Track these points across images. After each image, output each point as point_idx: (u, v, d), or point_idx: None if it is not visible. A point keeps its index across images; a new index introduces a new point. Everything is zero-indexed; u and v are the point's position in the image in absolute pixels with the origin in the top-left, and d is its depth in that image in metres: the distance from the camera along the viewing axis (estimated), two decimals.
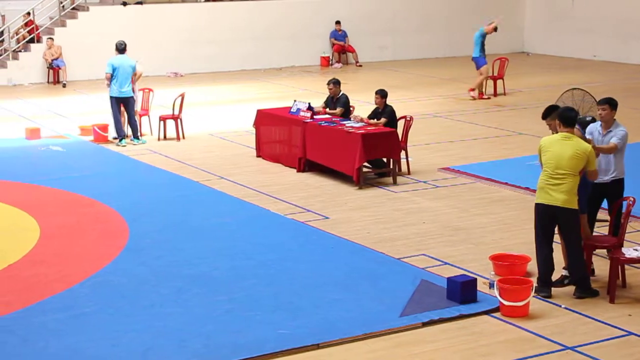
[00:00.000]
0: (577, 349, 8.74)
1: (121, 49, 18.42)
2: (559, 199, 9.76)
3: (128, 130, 18.65)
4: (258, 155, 17.11)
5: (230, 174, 15.77)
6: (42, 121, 21.09)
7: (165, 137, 18.88)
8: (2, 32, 28.53)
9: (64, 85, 27.65)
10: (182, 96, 19.11)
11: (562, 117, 9.97)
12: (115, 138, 18.63)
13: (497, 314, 9.52)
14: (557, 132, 10.09)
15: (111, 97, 18.23)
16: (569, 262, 10.04)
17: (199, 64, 30.25)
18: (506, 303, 9.48)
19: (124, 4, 29.63)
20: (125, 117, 18.60)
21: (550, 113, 10.51)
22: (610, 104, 10.61)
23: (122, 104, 18.27)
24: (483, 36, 23.40)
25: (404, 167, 15.60)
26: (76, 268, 11.09)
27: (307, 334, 9.01)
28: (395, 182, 15.00)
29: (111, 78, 18.12)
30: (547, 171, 9.84)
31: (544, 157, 9.90)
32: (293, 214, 13.31)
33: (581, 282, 9.96)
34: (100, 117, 20.20)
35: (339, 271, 10.85)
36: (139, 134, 18.57)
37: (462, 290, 9.73)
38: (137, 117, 18.66)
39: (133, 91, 18.44)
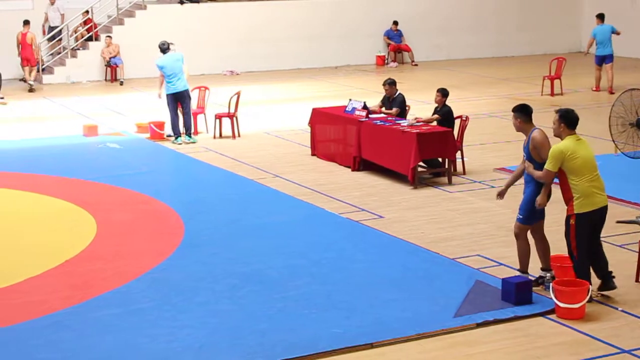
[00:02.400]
0: (634, 352, 8.63)
1: (164, 49, 18.48)
2: (605, 199, 9.72)
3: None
4: (313, 154, 17.13)
5: (285, 173, 15.80)
6: (100, 118, 21.30)
7: (220, 135, 18.97)
8: (61, 30, 28.82)
9: (121, 83, 27.89)
10: (238, 94, 19.19)
11: (568, 118, 9.75)
12: (170, 136, 18.77)
13: (553, 316, 9.43)
14: (521, 130, 10.07)
15: (167, 95, 18.35)
16: (601, 260, 9.91)
17: (255, 62, 30.35)
18: (562, 305, 9.39)
19: (181, 2, 29.82)
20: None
21: (516, 110, 10.22)
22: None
23: (179, 101, 18.37)
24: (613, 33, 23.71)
25: (459, 167, 15.52)
26: (132, 264, 11.18)
27: (360, 333, 9.00)
28: (450, 182, 14.93)
29: (165, 77, 18.22)
30: (586, 176, 9.60)
31: (574, 164, 9.58)
32: (347, 213, 13.31)
33: (608, 276, 9.85)
34: (157, 115, 20.35)
35: (393, 271, 10.82)
36: (191, 132, 18.66)
37: (517, 292, 9.66)
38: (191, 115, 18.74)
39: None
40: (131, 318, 9.47)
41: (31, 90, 26.83)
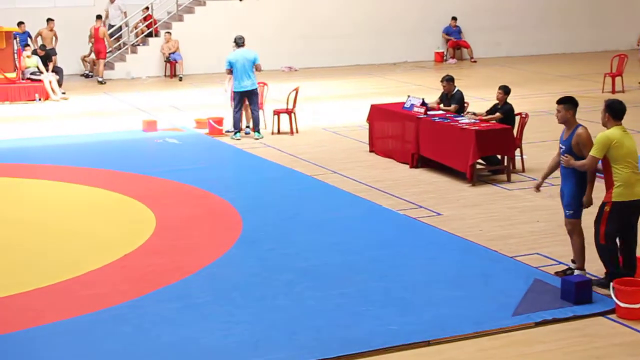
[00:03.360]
0: None
1: (240, 43, 18.57)
2: None
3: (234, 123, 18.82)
4: (371, 150, 17.11)
5: (342, 169, 15.80)
6: (159, 114, 21.48)
7: (279, 131, 19.02)
8: (121, 27, 29.09)
9: (180, 79, 28.10)
10: (297, 90, 19.23)
11: (612, 109, 9.70)
12: (229, 131, 18.86)
13: (613, 316, 9.32)
14: (566, 123, 9.96)
15: (235, 92, 18.41)
16: (631, 254, 9.86)
17: (313, 58, 30.41)
18: (622, 305, 9.27)
19: None
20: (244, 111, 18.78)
21: (567, 102, 10.11)
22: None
23: (246, 98, 18.43)
24: None
25: (518, 165, 15.40)
26: (190, 259, 11.25)
27: (417, 330, 8.97)
28: (509, 180, 14.82)
29: (232, 73, 18.30)
30: (631, 163, 9.60)
31: (619, 152, 9.56)
32: (405, 209, 13.27)
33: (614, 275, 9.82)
34: (215, 111, 20.47)
35: (451, 268, 10.77)
36: (259, 128, 18.71)
37: (577, 291, 9.55)
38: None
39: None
40: (188, 312, 9.53)
41: (101, 82, 27.25)
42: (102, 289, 10.23)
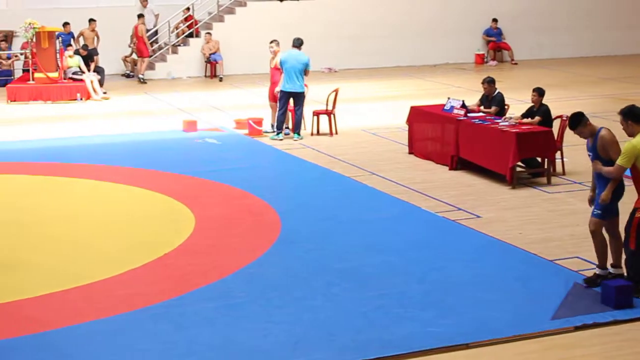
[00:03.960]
0: None
1: (297, 44, 18.57)
2: None
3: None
4: (410, 152, 17.07)
5: (381, 170, 15.78)
6: (199, 114, 21.57)
7: (318, 132, 19.03)
8: (156, 31, 29.20)
9: (221, 79, 28.21)
10: (336, 91, 19.23)
11: (632, 114, 9.64)
12: (267, 131, 18.91)
13: None
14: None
15: (281, 91, 18.45)
16: None
17: (353, 59, 30.41)
18: None
19: None
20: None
21: (580, 121, 10.04)
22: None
23: (292, 99, 18.45)
24: None
25: (558, 168, 15.31)
26: (229, 259, 11.28)
27: (456, 333, 8.94)
28: (549, 183, 14.73)
29: (284, 72, 18.33)
30: None
31: None
32: (444, 211, 13.22)
33: None
34: (255, 111, 20.52)
35: (490, 271, 10.72)
36: (299, 130, 18.74)
37: (617, 295, 9.47)
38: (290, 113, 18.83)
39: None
40: (228, 312, 9.55)
41: (142, 81, 27.46)
42: (142, 288, 10.29)
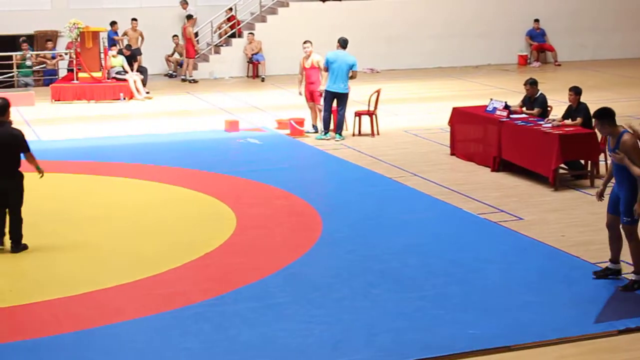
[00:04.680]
0: None
1: (343, 45, 18.57)
2: None
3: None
4: (452, 153, 17.01)
5: (423, 171, 15.73)
6: (241, 114, 21.62)
7: (359, 133, 19.01)
8: (196, 33, 29.31)
9: (263, 80, 28.27)
10: (378, 92, 19.20)
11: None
12: (309, 132, 18.94)
13: None
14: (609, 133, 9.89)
15: (325, 91, 18.45)
16: None
17: (395, 60, 30.34)
18: None
19: (323, 0, 30.00)
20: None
21: (606, 115, 9.99)
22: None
23: (336, 99, 18.45)
24: None
25: (602, 170, 15.16)
26: (270, 259, 11.30)
27: (497, 335, 8.89)
28: (592, 185, 14.60)
29: (329, 72, 18.33)
30: None
31: None
32: (486, 213, 13.16)
33: None
34: (297, 112, 20.54)
35: (532, 273, 10.65)
36: (341, 130, 18.74)
37: None
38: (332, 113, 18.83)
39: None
40: (268, 312, 9.57)
41: (191, 81, 27.65)
42: (183, 287, 10.33)
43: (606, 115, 9.99)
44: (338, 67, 18.22)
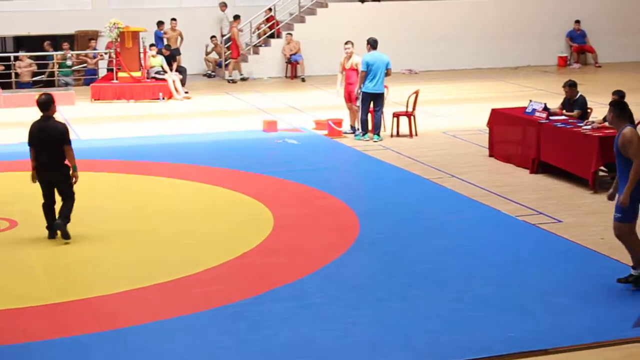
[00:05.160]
0: None
1: (375, 45, 18.59)
2: None
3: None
4: (490, 155, 16.94)
5: (461, 173, 15.68)
6: (279, 114, 21.65)
7: (398, 134, 18.98)
8: (229, 38, 29.42)
9: (303, 80, 28.30)
10: (417, 93, 19.16)
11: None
12: (347, 132, 18.95)
13: None
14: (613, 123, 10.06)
15: (364, 93, 18.42)
16: None
17: (433, 61, 30.27)
18: None
19: (362, 1, 29.99)
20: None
21: (618, 105, 10.13)
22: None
23: (373, 100, 18.45)
24: None
25: None
26: (307, 259, 11.31)
27: (535, 338, 8.83)
28: None
29: (366, 75, 18.31)
30: None
31: None
32: (524, 215, 13.09)
33: None
34: (335, 112, 20.54)
35: (571, 276, 10.57)
36: (379, 131, 18.73)
37: None
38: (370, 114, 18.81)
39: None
40: (305, 312, 9.58)
41: (233, 81, 27.80)
42: (220, 287, 10.36)
43: (617, 106, 10.13)
44: (377, 67, 18.22)
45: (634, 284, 10.07)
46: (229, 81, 28.18)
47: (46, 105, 11.97)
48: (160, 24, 28.03)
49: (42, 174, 12.04)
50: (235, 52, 28.35)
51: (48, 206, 12.17)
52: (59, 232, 12.10)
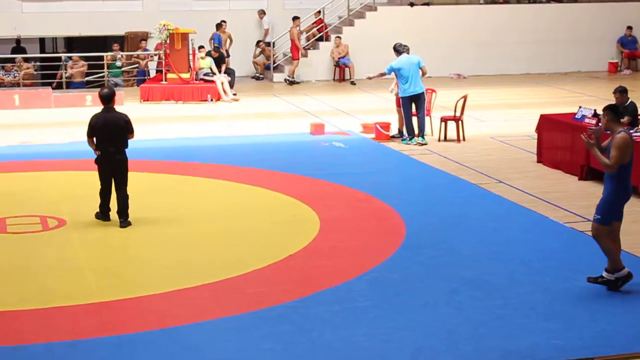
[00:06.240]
0: None
1: (402, 51, 18.59)
2: None
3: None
4: (539, 161, 16.84)
5: (508, 178, 15.60)
6: (326, 117, 21.68)
7: (445, 138, 18.93)
8: (274, 43, 29.50)
9: (353, 83, 28.29)
10: (465, 98, 19.09)
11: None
12: (394, 136, 18.93)
13: None
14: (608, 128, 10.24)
15: (403, 98, 18.40)
16: None
17: (482, 66, 30.15)
18: None
19: (411, 4, 29.94)
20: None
21: (607, 109, 10.30)
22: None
23: (414, 102, 18.43)
24: None
25: None
26: (353, 262, 11.30)
27: (581, 346, 8.77)
28: None
29: (400, 79, 18.29)
30: None
31: None
32: (572, 222, 12.99)
33: None
34: (383, 116, 20.52)
35: None
36: (424, 132, 18.70)
37: None
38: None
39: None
40: (349, 315, 9.57)
41: (291, 83, 27.89)
42: (266, 288, 10.39)
43: (611, 110, 10.29)
44: (409, 70, 18.20)
45: (609, 287, 10.19)
46: (288, 82, 28.22)
47: (109, 97, 12.84)
48: (219, 26, 28.21)
49: (108, 162, 12.79)
50: (295, 53, 28.44)
51: (108, 192, 12.94)
52: (111, 217, 13.05)
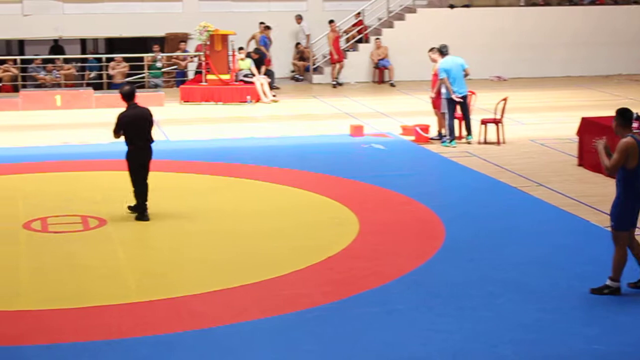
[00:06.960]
0: None
1: (445, 52, 18.56)
2: None
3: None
4: (579, 164, 16.72)
5: (549, 182, 15.50)
6: (366, 119, 21.65)
7: (485, 141, 18.84)
8: (313, 45, 29.52)
9: (393, 85, 28.26)
10: (505, 100, 18.99)
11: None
12: (433, 138, 18.88)
13: None
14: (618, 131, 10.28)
15: (448, 99, 18.33)
16: None
17: (522, 68, 29.98)
18: None
19: (451, 6, 29.85)
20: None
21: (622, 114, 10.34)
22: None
23: (458, 104, 18.37)
24: None
25: None
26: (392, 265, 11.29)
27: (622, 352, 8.71)
28: None
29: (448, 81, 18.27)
30: None
31: None
32: None
33: None
34: (422, 118, 20.47)
35: None
36: (471, 130, 18.67)
37: None
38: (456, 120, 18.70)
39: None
40: (388, 318, 9.56)
41: (335, 86, 27.92)
42: (305, 290, 10.40)
43: (619, 114, 10.36)
44: (454, 71, 18.14)
45: (595, 290, 10.22)
46: (332, 85, 28.22)
47: (132, 94, 13.26)
48: (267, 28, 28.27)
49: (142, 156, 13.21)
50: (333, 56, 28.40)
51: (146, 187, 13.26)
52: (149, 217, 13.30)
